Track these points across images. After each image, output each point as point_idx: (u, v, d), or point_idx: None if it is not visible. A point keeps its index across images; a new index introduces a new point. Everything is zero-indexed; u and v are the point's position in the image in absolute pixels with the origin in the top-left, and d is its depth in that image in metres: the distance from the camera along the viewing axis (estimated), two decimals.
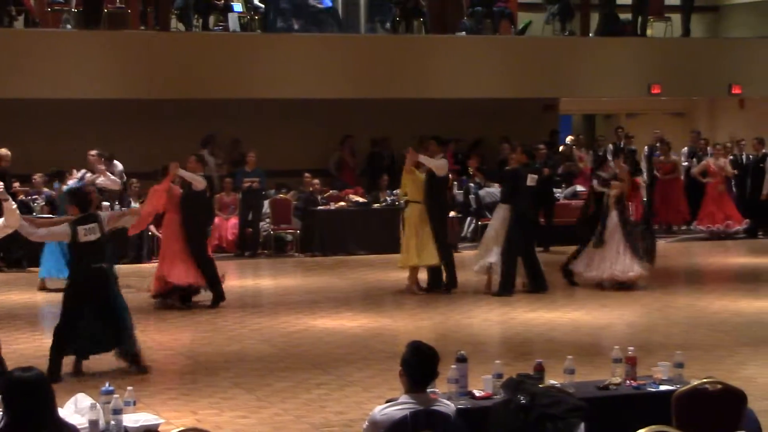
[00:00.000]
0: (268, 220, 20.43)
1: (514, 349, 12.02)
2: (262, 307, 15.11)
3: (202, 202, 14.86)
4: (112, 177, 16.92)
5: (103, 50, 19.93)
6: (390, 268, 16.96)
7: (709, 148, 23.00)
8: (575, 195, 21.45)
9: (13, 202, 9.23)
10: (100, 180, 16.23)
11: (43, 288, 15.97)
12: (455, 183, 20.68)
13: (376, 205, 20.57)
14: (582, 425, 6.55)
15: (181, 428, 6.27)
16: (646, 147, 23.77)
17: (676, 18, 24.25)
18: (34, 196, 18.46)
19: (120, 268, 12.43)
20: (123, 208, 17.54)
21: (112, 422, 6.46)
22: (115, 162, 19.06)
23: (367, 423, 5.99)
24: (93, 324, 10.71)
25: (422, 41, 22.22)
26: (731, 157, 22.54)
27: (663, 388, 7.43)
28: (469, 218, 21.34)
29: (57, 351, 10.67)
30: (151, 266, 17.29)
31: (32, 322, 13.97)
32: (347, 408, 9.56)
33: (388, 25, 22.51)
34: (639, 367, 7.72)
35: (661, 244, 20.14)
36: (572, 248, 16.40)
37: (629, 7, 23.64)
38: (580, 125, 28.20)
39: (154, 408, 9.14)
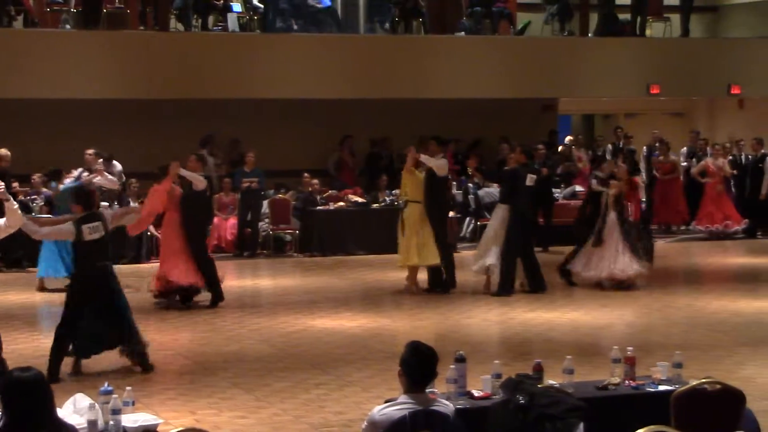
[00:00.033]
0: (267, 220, 20.43)
1: (513, 349, 12.02)
2: (261, 307, 15.11)
3: (203, 202, 14.86)
4: (110, 177, 16.91)
5: (103, 50, 19.94)
6: (389, 268, 16.96)
7: (708, 149, 23.01)
8: (574, 195, 21.45)
9: (15, 202, 9.22)
10: (97, 179, 16.21)
11: (42, 288, 15.97)
12: (454, 183, 20.69)
13: (375, 206, 20.56)
14: (581, 425, 6.55)
15: (180, 428, 6.27)
16: (644, 147, 23.78)
17: (675, 18, 24.26)
18: (33, 196, 18.47)
19: (119, 268, 12.40)
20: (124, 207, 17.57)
21: (111, 422, 6.46)
22: (114, 162, 19.06)
23: (365, 423, 5.99)
24: (94, 324, 10.71)
25: (421, 41, 22.23)
26: (730, 158, 22.55)
27: (662, 388, 7.43)
28: (468, 218, 21.34)
29: (57, 350, 10.66)
30: (150, 266, 17.31)
31: (31, 323, 13.96)
32: (346, 408, 9.55)
33: (387, 25, 22.52)
34: (638, 367, 7.72)
35: (660, 244, 20.17)
36: (571, 248, 16.40)
37: (628, 8, 23.65)
38: (579, 125, 28.22)
39: (152, 408, 9.13)
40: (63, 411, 6.39)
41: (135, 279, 15.59)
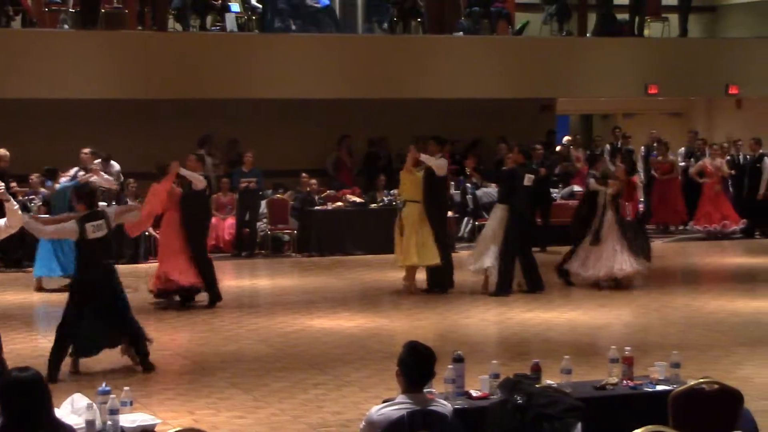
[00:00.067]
0: (265, 220, 20.43)
1: (511, 349, 12.02)
2: (259, 307, 15.11)
3: (202, 202, 14.87)
4: (106, 176, 16.89)
5: (101, 50, 19.93)
6: (387, 268, 16.95)
7: (706, 149, 23.01)
8: (572, 195, 21.45)
9: (15, 203, 9.21)
10: (94, 179, 16.19)
11: (39, 288, 15.96)
12: (452, 183, 20.69)
13: (373, 205, 20.56)
14: (579, 425, 6.56)
15: (178, 428, 6.27)
16: (642, 147, 23.79)
17: (674, 18, 24.28)
18: (31, 196, 18.46)
19: (117, 268, 12.43)
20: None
21: (109, 422, 6.46)
22: (112, 162, 19.05)
23: (364, 423, 5.99)
24: (94, 324, 10.69)
25: (420, 41, 22.23)
26: (728, 158, 22.56)
27: (660, 388, 7.43)
28: (466, 218, 21.34)
29: (58, 351, 10.64)
30: (148, 266, 17.30)
31: (28, 323, 13.95)
32: (344, 408, 9.56)
33: (385, 25, 22.53)
34: (636, 367, 7.71)
35: (658, 244, 20.18)
36: (569, 248, 16.40)
37: (626, 8, 23.65)
38: (577, 125, 28.22)
39: (150, 408, 9.14)
40: (61, 411, 6.40)
41: (133, 279, 15.58)
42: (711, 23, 26.87)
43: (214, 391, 10.20)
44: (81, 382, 10.22)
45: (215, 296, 14.65)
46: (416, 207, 15.43)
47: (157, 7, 20.82)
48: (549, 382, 7.21)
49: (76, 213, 11.09)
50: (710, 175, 22.05)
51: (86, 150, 16.93)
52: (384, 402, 6.07)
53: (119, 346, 11.07)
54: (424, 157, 15.43)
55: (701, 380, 6.89)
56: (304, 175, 20.67)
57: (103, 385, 6.70)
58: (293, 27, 21.49)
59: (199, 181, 14.48)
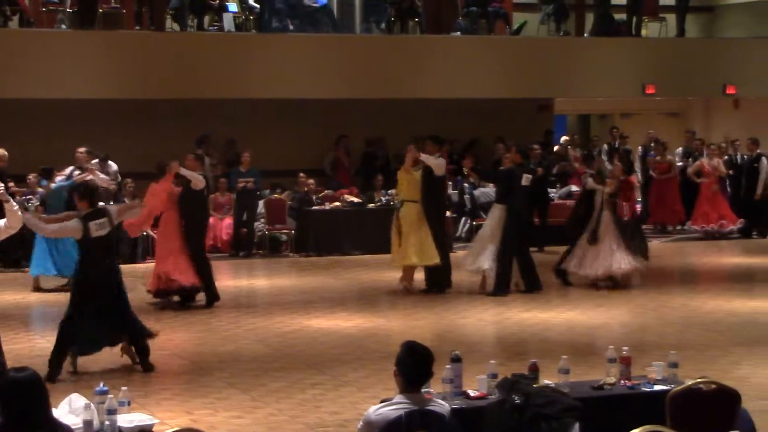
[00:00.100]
0: (262, 220, 20.43)
1: (509, 349, 12.03)
2: (256, 307, 15.11)
3: (200, 201, 14.87)
4: (102, 176, 16.87)
5: (98, 50, 19.92)
6: (385, 268, 16.94)
7: (703, 149, 23.02)
8: (570, 195, 21.45)
9: (15, 203, 9.21)
10: (89, 179, 16.19)
11: (37, 288, 15.94)
12: (450, 183, 20.67)
13: (370, 205, 20.56)
14: (576, 425, 6.56)
15: (176, 428, 6.27)
16: (640, 147, 23.80)
17: (671, 18, 24.27)
18: (28, 196, 18.45)
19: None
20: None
21: (107, 422, 6.46)
22: (110, 162, 19.05)
23: (361, 423, 5.99)
24: (94, 323, 10.68)
25: (417, 41, 22.23)
26: (726, 157, 22.57)
27: (657, 387, 7.43)
28: (463, 218, 21.34)
29: (59, 350, 10.62)
30: (145, 266, 17.30)
31: (26, 322, 13.95)
32: (342, 408, 9.56)
33: (383, 25, 22.53)
34: (633, 366, 7.72)
35: (656, 244, 20.20)
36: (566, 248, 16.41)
37: (624, 8, 23.66)
38: (574, 125, 28.22)
39: (148, 408, 9.13)
40: (58, 411, 6.39)
41: (131, 279, 15.55)
42: (708, 23, 26.88)
43: (211, 391, 10.20)
44: (79, 382, 10.22)
45: (213, 296, 14.64)
46: (414, 207, 15.42)
47: (155, 7, 20.82)
48: (547, 381, 7.21)
49: (78, 211, 11.06)
50: (708, 175, 22.06)
51: (82, 149, 16.91)
52: (382, 402, 6.07)
53: (119, 345, 11.07)
54: (424, 156, 15.43)
55: (699, 380, 6.90)
56: (301, 175, 20.66)
57: (101, 385, 6.70)
58: (291, 27, 21.49)
59: (198, 180, 14.47)
